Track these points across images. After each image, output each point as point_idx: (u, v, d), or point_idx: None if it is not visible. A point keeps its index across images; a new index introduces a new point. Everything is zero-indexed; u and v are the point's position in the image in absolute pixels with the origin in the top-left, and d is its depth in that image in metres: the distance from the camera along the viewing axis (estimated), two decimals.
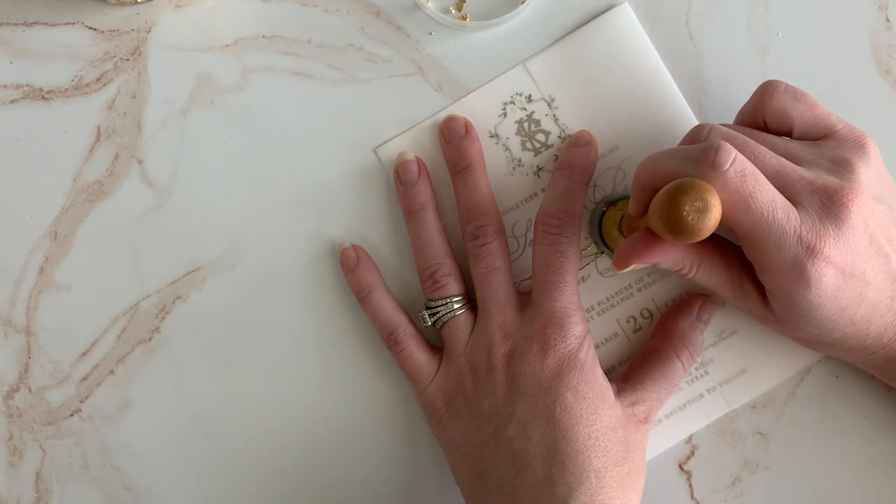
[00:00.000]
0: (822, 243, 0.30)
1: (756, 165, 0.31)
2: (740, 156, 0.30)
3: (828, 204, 0.31)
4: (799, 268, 0.30)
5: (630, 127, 0.39)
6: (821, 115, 0.34)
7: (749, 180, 0.30)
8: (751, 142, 0.32)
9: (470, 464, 0.36)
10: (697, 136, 0.34)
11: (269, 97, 0.39)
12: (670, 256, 0.33)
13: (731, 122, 0.39)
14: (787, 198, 0.31)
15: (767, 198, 0.30)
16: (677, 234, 0.30)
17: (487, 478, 0.35)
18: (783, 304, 0.32)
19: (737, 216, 0.30)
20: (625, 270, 0.34)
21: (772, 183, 0.31)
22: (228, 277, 0.40)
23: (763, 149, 0.32)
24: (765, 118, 0.35)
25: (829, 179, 0.31)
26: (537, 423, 0.34)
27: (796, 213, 0.30)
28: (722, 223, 0.30)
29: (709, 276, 0.34)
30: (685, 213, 0.29)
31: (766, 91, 0.34)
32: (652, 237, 0.32)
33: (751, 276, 0.33)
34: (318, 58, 0.39)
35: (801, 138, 0.34)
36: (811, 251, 0.30)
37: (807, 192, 0.31)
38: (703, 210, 0.29)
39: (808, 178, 0.31)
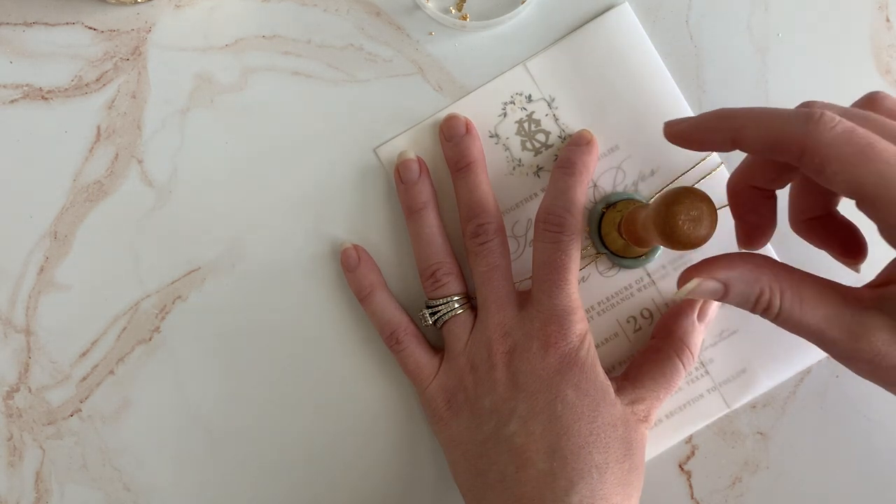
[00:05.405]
0: None
1: (880, 134, 0.27)
2: (848, 121, 0.27)
3: None
4: None
5: (630, 127, 0.39)
6: None
7: (861, 134, 0.26)
8: (871, 114, 0.28)
9: (470, 461, 0.36)
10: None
11: (269, 97, 0.39)
12: (738, 273, 0.29)
13: None
14: None
15: (892, 150, 0.26)
16: (672, 243, 0.30)
17: (487, 473, 0.35)
18: None
19: (857, 171, 0.26)
20: (688, 290, 0.30)
21: None
22: (228, 277, 0.40)
23: (889, 121, 0.28)
24: None
25: None
26: (538, 419, 0.34)
27: None
28: (847, 191, 0.26)
29: (800, 309, 0.28)
30: (680, 222, 0.29)
31: (875, 96, 0.31)
32: (717, 256, 0.30)
33: (864, 301, 0.28)
34: (318, 58, 0.39)
35: None
36: None
37: None
38: (699, 219, 0.29)
39: None
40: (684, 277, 0.31)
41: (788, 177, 0.32)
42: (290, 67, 0.39)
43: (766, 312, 0.29)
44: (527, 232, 0.40)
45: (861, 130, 0.26)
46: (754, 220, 0.33)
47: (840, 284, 0.29)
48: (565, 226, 0.35)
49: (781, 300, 0.29)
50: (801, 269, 0.30)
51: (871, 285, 0.29)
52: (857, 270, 0.34)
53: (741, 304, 0.30)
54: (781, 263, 0.30)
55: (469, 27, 0.39)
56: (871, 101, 0.31)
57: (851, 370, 0.29)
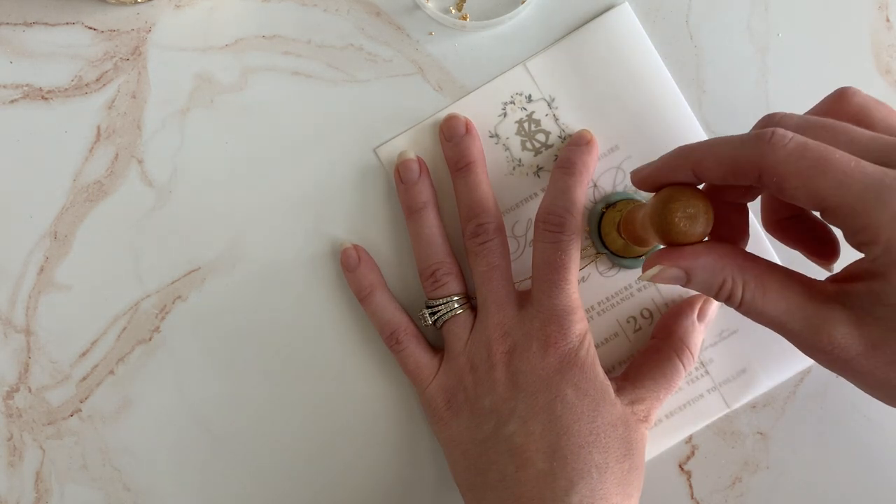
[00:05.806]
0: None
1: (840, 145, 0.27)
2: (800, 135, 0.27)
3: None
4: None
5: (630, 127, 0.39)
6: None
7: (813, 147, 0.26)
8: (829, 122, 0.28)
9: (470, 460, 0.36)
10: (768, 123, 0.31)
11: (269, 97, 0.39)
12: (702, 261, 0.29)
13: (730, 122, 0.40)
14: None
15: (846, 158, 0.26)
16: (669, 241, 0.30)
17: (487, 473, 0.35)
18: None
19: (814, 184, 0.26)
20: (650, 275, 0.30)
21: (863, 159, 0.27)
22: (228, 277, 0.40)
23: (848, 126, 0.28)
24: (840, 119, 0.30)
25: None
26: (538, 419, 0.34)
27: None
28: (809, 203, 0.27)
29: (763, 299, 0.29)
30: (677, 219, 0.29)
31: (844, 92, 0.31)
32: (685, 245, 0.30)
33: (827, 294, 0.28)
34: (318, 58, 0.39)
35: None
36: None
37: None
38: (694, 216, 0.29)
39: None
40: (649, 263, 0.31)
41: (757, 191, 0.32)
42: (290, 67, 0.39)
43: (729, 301, 0.30)
44: (527, 232, 0.40)
45: (812, 143, 0.27)
46: (727, 232, 0.33)
47: (805, 277, 0.29)
48: (565, 226, 0.35)
49: (744, 290, 0.29)
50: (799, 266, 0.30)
51: (835, 279, 0.29)
52: (831, 270, 0.34)
53: (704, 292, 0.30)
54: (748, 254, 0.30)
55: (469, 27, 0.39)
56: (839, 99, 0.31)
57: (813, 360, 0.29)
